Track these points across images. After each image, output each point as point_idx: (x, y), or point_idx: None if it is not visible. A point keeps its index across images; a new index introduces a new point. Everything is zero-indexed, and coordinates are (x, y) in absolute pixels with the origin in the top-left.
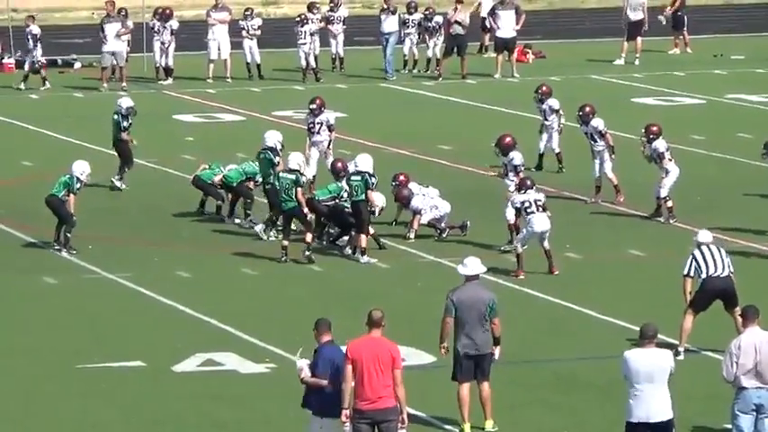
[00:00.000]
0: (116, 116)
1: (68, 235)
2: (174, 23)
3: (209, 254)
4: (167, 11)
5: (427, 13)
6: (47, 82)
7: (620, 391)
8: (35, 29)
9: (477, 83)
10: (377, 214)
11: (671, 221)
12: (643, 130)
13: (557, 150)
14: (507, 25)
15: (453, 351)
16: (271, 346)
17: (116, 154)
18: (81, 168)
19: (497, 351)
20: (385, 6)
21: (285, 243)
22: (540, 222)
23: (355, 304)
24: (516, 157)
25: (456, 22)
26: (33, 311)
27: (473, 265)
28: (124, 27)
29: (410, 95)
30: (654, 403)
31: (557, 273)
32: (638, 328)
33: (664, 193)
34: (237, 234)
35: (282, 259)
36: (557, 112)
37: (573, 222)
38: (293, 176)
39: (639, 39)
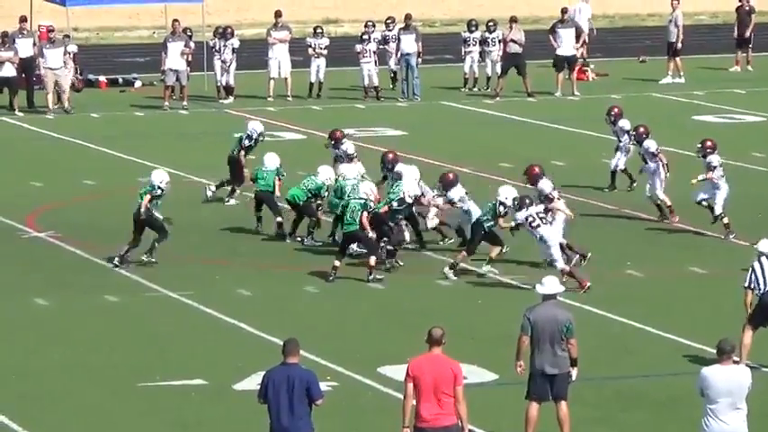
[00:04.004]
0: (243, 137)
1: (157, 244)
2: (235, 42)
3: (270, 272)
4: (228, 29)
5: (490, 24)
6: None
7: (683, 409)
8: (73, 47)
9: (537, 101)
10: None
11: (730, 237)
12: (699, 145)
13: (621, 168)
14: (567, 43)
15: (529, 370)
16: (332, 364)
17: (228, 172)
18: (160, 177)
19: (574, 372)
20: (404, 25)
21: (337, 263)
22: (550, 233)
23: (416, 322)
24: (546, 186)
25: (512, 40)
26: (95, 330)
27: (551, 284)
28: (187, 46)
29: (470, 113)
30: (731, 420)
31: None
32: (699, 346)
33: (718, 210)
34: (299, 252)
35: (330, 279)
36: (628, 132)
37: (633, 240)
38: (362, 201)
39: (677, 57)
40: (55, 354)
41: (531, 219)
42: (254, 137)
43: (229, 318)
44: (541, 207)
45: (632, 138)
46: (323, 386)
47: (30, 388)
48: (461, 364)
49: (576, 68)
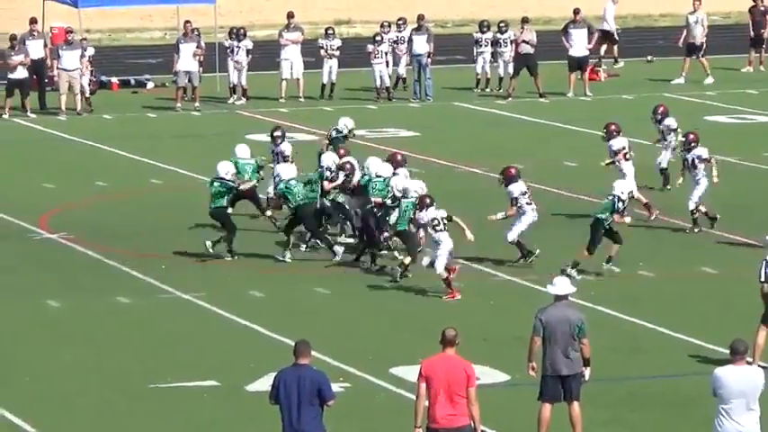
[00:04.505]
0: (331, 131)
1: (230, 239)
2: (248, 43)
3: (282, 273)
4: (242, 30)
5: (502, 25)
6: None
7: (695, 409)
8: (90, 50)
9: (549, 101)
10: None
11: (695, 231)
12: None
13: (664, 166)
14: (580, 44)
15: (541, 371)
16: (344, 365)
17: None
18: (225, 169)
19: (587, 372)
20: (417, 25)
21: (407, 261)
22: (448, 241)
23: (428, 322)
24: (515, 189)
25: (524, 41)
26: (108, 331)
27: (562, 284)
28: (199, 47)
29: (482, 114)
30: (745, 421)
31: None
32: (711, 346)
33: (692, 205)
34: (311, 253)
35: (400, 278)
36: (674, 130)
37: (645, 240)
38: (414, 201)
39: (704, 57)
40: (67, 355)
41: (435, 222)
42: (344, 132)
43: (242, 319)
44: (444, 212)
45: (680, 140)
46: (335, 387)
47: (43, 389)
48: (474, 365)
49: (589, 69)
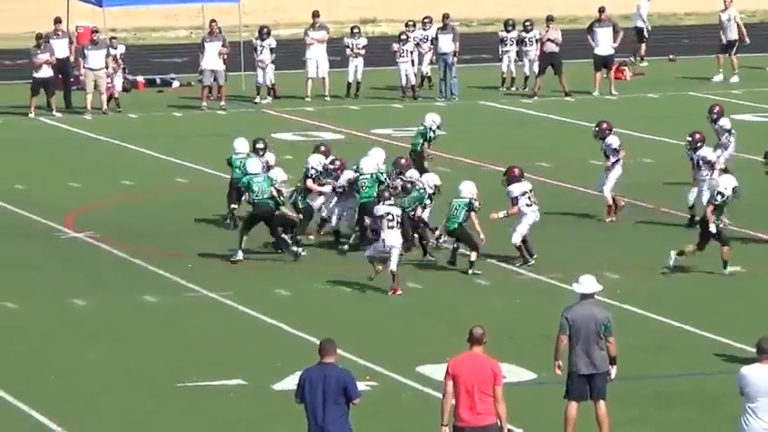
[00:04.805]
0: (427, 130)
1: (298, 235)
2: (272, 42)
3: (307, 272)
4: (264, 29)
5: (527, 24)
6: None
7: (721, 408)
8: (120, 49)
9: (575, 100)
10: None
11: (606, 220)
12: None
13: (721, 166)
14: (605, 42)
15: (567, 369)
16: (371, 364)
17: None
18: (276, 175)
19: (614, 370)
20: (442, 24)
21: (474, 255)
22: (392, 237)
23: (454, 320)
24: (516, 189)
25: (549, 40)
26: (134, 330)
27: (588, 283)
28: (225, 46)
29: (508, 113)
30: None
31: (399, 293)
32: (737, 345)
33: (607, 192)
34: (337, 251)
35: (470, 272)
36: (729, 131)
37: (672, 237)
38: (467, 200)
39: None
40: (93, 354)
41: (390, 218)
42: (433, 128)
43: (268, 318)
44: (396, 209)
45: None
46: (361, 386)
47: (69, 388)
48: (500, 363)
49: (614, 67)
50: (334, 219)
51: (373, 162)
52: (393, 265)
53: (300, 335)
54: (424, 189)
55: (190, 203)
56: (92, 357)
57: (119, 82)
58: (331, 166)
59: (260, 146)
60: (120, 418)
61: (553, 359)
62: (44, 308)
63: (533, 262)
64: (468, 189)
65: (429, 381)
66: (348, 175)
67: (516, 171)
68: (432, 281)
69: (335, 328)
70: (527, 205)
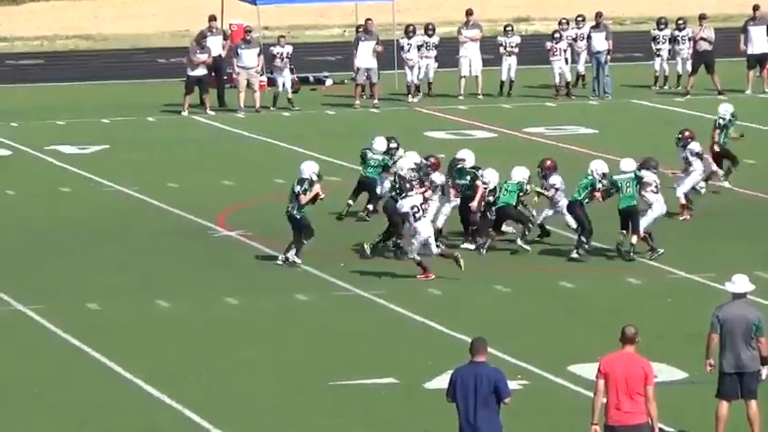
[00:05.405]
0: (717, 119)
1: (398, 242)
2: (418, 40)
3: (460, 271)
4: (411, 27)
5: (680, 22)
6: (292, 104)
7: None
8: (288, 49)
9: (727, 98)
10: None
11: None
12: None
13: None
14: (759, 41)
15: (718, 368)
16: (523, 363)
17: (721, 156)
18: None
19: (765, 370)
20: (595, 23)
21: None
22: (423, 228)
23: (605, 320)
24: (556, 180)
25: (702, 38)
26: (285, 328)
27: (741, 282)
28: (379, 44)
29: (660, 111)
30: None
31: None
32: None
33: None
34: (489, 251)
35: (482, 251)
36: (699, 155)
37: None
38: (517, 182)
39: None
40: (245, 352)
41: (416, 210)
42: (726, 117)
43: (420, 317)
44: (420, 198)
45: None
46: (513, 385)
47: (220, 386)
48: (651, 362)
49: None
50: (440, 219)
51: (519, 174)
52: (434, 250)
53: (452, 334)
54: (592, 175)
55: (343, 203)
56: (244, 356)
57: (288, 81)
58: (425, 162)
59: (393, 145)
60: (272, 417)
61: (704, 358)
62: (197, 306)
63: (662, 251)
64: (522, 174)
65: (581, 380)
66: (439, 177)
67: (549, 163)
68: (582, 279)
69: (486, 327)
70: (653, 192)
